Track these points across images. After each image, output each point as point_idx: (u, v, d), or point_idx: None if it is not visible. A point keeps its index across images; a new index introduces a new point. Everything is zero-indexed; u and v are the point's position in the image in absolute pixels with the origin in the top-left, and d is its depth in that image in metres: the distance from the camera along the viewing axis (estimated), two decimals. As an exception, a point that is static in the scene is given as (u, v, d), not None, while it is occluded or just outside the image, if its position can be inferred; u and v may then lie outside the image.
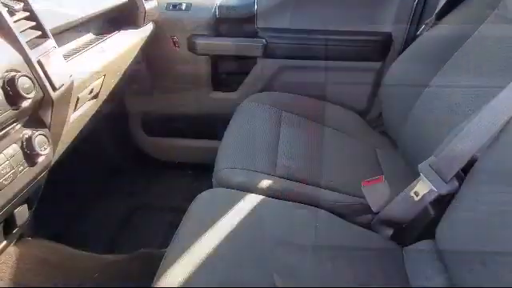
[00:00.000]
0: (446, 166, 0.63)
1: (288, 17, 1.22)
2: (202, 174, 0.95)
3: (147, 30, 1.15)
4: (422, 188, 0.66)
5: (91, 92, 0.89)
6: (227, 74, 1.33)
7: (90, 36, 0.96)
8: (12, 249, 0.81)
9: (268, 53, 1.23)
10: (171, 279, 0.59)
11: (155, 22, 1.19)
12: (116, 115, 1.34)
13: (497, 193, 0.56)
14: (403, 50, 1.14)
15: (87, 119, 0.96)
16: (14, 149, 0.57)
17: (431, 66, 0.98)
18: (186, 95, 1.34)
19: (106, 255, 0.89)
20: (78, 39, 0.89)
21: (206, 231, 0.66)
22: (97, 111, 1.00)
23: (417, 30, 1.15)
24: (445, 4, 1.06)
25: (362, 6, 1.20)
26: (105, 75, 0.93)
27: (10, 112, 0.54)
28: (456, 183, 0.62)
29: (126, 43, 1.04)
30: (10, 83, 0.53)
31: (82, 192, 1.25)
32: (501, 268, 0.52)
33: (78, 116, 0.87)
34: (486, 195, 0.57)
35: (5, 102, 0.53)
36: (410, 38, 1.18)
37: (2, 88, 0.53)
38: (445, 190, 0.62)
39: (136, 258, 0.87)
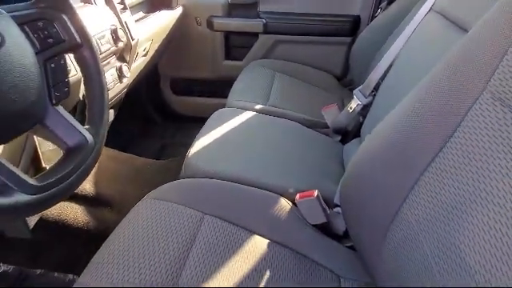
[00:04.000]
0: (367, 88, 1.04)
1: (282, 3, 1.63)
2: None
3: (178, 11, 1.58)
4: (354, 103, 1.07)
5: (144, 50, 1.31)
6: (236, 46, 1.75)
7: (141, 14, 1.39)
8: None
9: (267, 30, 1.65)
10: (195, 161, 0.94)
11: (184, 6, 1.61)
12: (151, 77, 1.78)
13: (388, 100, 0.96)
14: (368, 28, 1.54)
15: (139, 71, 1.39)
16: (113, 70, 1.00)
17: (381, 39, 1.38)
18: (204, 63, 1.76)
19: (154, 159, 1.32)
20: (136, 14, 1.32)
21: (217, 133, 1.06)
22: (144, 66, 1.42)
23: (375, 12, 1.55)
24: (394, -9, 1.46)
25: (339, -5, 1.61)
26: (152, 40, 1.36)
27: (113, 47, 0.97)
28: (371, 97, 1.03)
29: (164, 20, 1.46)
30: (114, 31, 0.96)
31: (125, 132, 1.68)
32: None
33: (135, 66, 1.29)
34: (383, 102, 0.98)
35: (112, 41, 0.95)
36: (373, 19, 1.58)
37: (111, 34, 0.95)
38: (365, 101, 1.03)
39: (174, 161, 1.30)
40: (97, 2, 0.95)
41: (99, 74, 0.61)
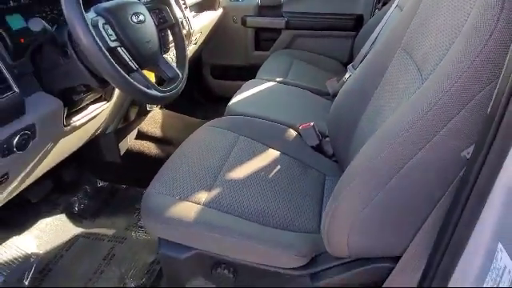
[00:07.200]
0: (357, 62, 1.45)
1: (301, 4, 2.06)
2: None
3: (219, 12, 2.04)
4: (347, 74, 1.48)
5: (195, 39, 1.78)
6: (264, 39, 2.19)
7: (193, 13, 1.86)
8: (158, 110, 1.72)
9: (288, 26, 2.08)
10: (234, 106, 1.42)
11: (223, 8, 2.07)
12: (197, 65, 2.25)
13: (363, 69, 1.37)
14: (368, 24, 1.94)
15: (189, 56, 1.85)
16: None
17: (375, 32, 1.78)
18: (238, 53, 2.22)
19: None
20: (190, 13, 1.79)
21: (249, 92, 1.50)
22: (193, 53, 1.89)
23: (374, 11, 1.95)
24: (386, -6, 1.85)
25: (346, -1, 2.03)
26: (201, 32, 1.82)
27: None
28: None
29: (209, 18, 1.92)
30: (181, 22, 1.42)
31: (177, 108, 2.15)
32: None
33: (188, 51, 1.76)
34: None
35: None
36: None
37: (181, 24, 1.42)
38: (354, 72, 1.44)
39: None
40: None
41: (183, 40, 1.06)
